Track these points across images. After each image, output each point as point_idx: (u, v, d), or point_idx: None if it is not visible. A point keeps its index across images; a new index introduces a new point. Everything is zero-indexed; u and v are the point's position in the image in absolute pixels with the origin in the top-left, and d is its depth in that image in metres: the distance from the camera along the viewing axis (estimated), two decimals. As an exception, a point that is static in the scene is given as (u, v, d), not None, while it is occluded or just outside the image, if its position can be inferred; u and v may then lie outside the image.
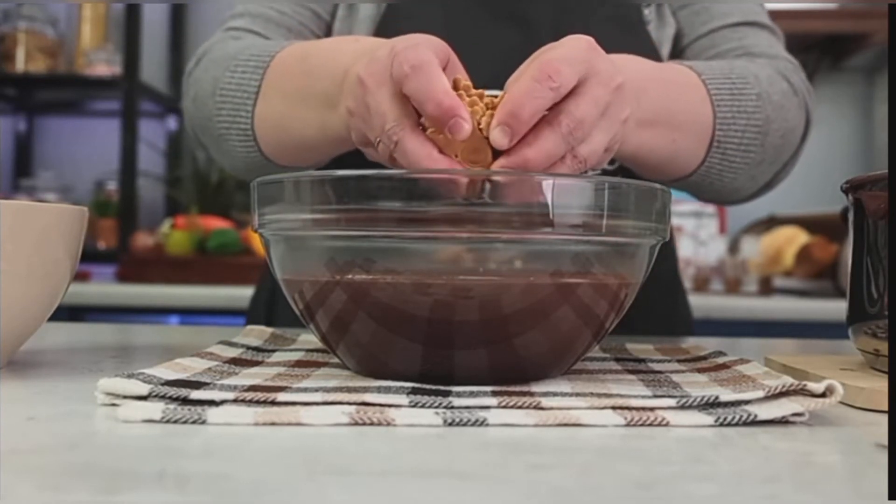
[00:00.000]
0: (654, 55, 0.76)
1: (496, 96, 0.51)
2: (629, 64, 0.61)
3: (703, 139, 0.71)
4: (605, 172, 0.77)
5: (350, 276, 0.45)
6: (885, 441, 0.37)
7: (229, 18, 0.85)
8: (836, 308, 1.59)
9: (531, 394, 0.42)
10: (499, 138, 0.49)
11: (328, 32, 0.84)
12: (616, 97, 0.53)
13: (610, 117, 0.53)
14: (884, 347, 0.50)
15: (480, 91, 0.52)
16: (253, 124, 0.73)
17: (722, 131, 0.71)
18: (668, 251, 0.87)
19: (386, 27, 0.79)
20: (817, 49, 2.46)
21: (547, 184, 0.43)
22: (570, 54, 0.51)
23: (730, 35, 0.82)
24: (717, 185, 0.74)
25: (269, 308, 0.93)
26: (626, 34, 0.79)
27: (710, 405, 0.40)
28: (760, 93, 0.73)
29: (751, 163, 0.74)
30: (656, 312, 0.85)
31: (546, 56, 0.51)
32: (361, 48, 0.61)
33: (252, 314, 0.99)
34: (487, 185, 0.42)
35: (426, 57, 0.50)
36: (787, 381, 0.41)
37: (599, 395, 0.42)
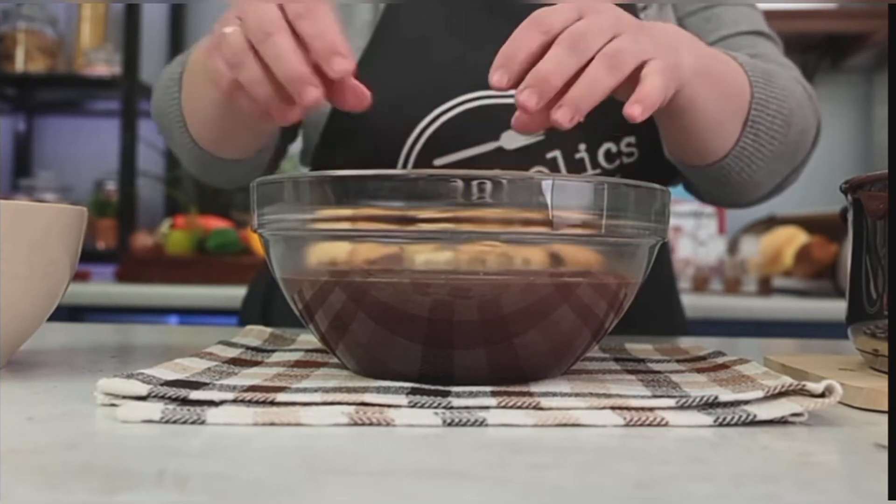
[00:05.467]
0: None
1: None
2: (670, 28, 0.62)
3: (740, 115, 0.70)
4: (604, 172, 0.77)
5: (350, 276, 0.45)
6: (885, 441, 0.37)
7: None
8: (836, 308, 1.59)
9: (530, 394, 0.42)
10: (527, 100, 0.52)
11: None
12: (638, 34, 0.54)
13: (631, 36, 0.54)
14: (883, 347, 0.50)
15: None
16: (183, 117, 0.76)
17: (756, 111, 0.70)
18: (663, 251, 0.88)
19: (386, 31, 0.79)
20: (817, 49, 2.46)
21: (546, 184, 0.43)
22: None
23: (742, 42, 0.82)
24: (746, 173, 0.73)
25: (264, 308, 0.93)
26: None
27: (710, 405, 0.41)
28: (785, 86, 0.73)
29: (775, 152, 0.73)
30: (653, 313, 0.85)
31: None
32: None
33: (245, 314, 0.99)
34: (487, 186, 0.42)
35: (275, 17, 0.52)
36: (787, 381, 0.41)
37: (599, 396, 0.42)
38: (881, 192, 0.50)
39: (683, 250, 2.16)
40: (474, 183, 0.42)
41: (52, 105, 2.69)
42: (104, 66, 2.39)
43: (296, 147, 0.92)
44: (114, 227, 2.38)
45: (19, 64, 2.41)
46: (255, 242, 2.01)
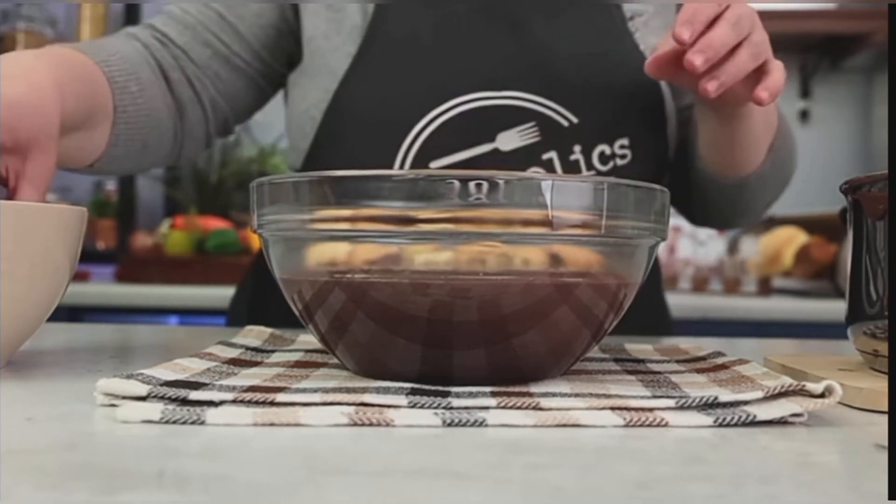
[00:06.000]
0: (640, 60, 0.76)
1: None
2: None
3: (769, 137, 0.77)
4: (598, 174, 0.77)
5: (349, 276, 0.45)
6: (885, 441, 0.37)
7: (157, 14, 0.85)
8: (835, 308, 1.59)
9: (530, 394, 0.42)
10: (695, 60, 0.61)
11: (280, 43, 0.85)
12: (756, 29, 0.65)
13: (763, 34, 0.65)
14: (883, 348, 0.50)
15: None
16: None
17: (779, 141, 0.77)
18: None
19: (376, 34, 0.79)
20: (817, 49, 2.46)
21: (546, 184, 0.43)
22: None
23: None
24: (758, 196, 0.80)
25: (251, 309, 0.93)
26: (609, 38, 0.80)
27: (709, 406, 0.41)
28: (787, 122, 0.81)
29: (777, 181, 0.80)
30: (641, 311, 0.85)
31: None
32: None
33: (233, 315, 0.98)
34: (487, 186, 0.42)
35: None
36: (786, 381, 0.41)
37: (598, 396, 0.42)
38: (881, 192, 0.50)
39: (683, 250, 2.16)
40: (474, 183, 0.42)
41: (51, 105, 2.68)
42: (104, 66, 2.39)
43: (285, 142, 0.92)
44: (114, 227, 2.38)
45: (19, 64, 2.40)
46: (255, 242, 2.01)
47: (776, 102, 0.72)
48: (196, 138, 0.84)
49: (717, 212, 0.86)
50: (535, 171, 0.76)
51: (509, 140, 0.77)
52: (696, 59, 0.61)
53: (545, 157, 0.77)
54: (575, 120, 0.77)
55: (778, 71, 0.65)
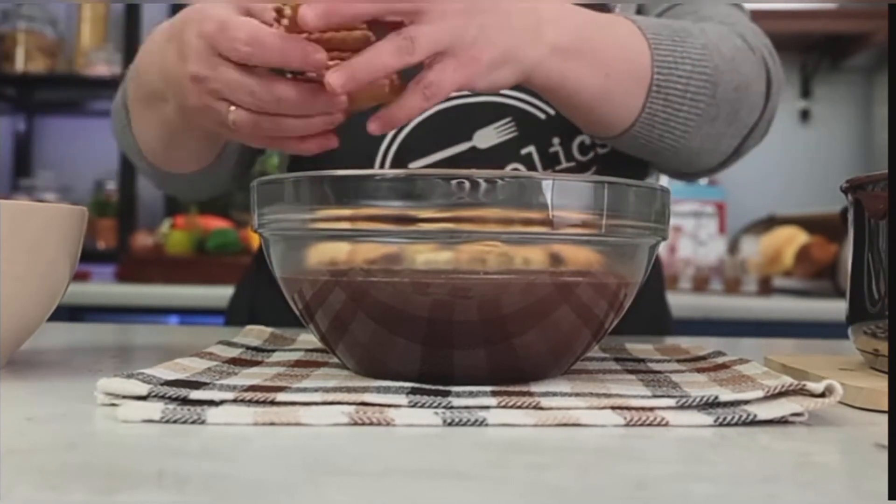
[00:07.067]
0: None
1: None
2: (546, 6, 0.62)
3: (641, 81, 0.67)
4: (579, 164, 0.77)
5: (349, 276, 0.45)
6: (885, 441, 0.37)
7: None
8: (836, 308, 1.59)
9: (531, 394, 0.42)
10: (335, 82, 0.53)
11: None
12: (467, 18, 0.56)
13: (451, 24, 0.55)
14: (883, 347, 0.50)
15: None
16: (134, 136, 0.77)
17: (662, 76, 0.68)
18: None
19: None
20: (817, 49, 2.46)
21: (546, 184, 0.43)
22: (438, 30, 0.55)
23: (687, 9, 0.80)
24: (670, 139, 0.70)
25: (251, 309, 0.93)
26: None
27: (710, 405, 0.40)
28: (707, 43, 0.70)
29: (702, 115, 0.70)
30: (643, 311, 0.85)
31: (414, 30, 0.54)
32: (158, 39, 0.65)
33: (232, 315, 0.98)
34: (487, 185, 0.42)
35: (244, 24, 0.54)
36: (787, 381, 0.41)
37: (599, 395, 0.42)
38: (881, 192, 0.50)
39: (683, 250, 2.16)
40: (474, 183, 0.42)
41: (52, 105, 2.69)
42: (104, 66, 2.39)
43: None
44: (114, 227, 2.38)
45: (19, 64, 2.41)
46: (255, 242, 2.01)
47: (652, 32, 0.68)
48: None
49: (656, 163, 0.79)
50: (514, 168, 0.76)
51: (487, 137, 0.76)
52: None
53: (524, 151, 0.76)
54: (552, 112, 0.76)
55: (415, 90, 0.56)
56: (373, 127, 0.57)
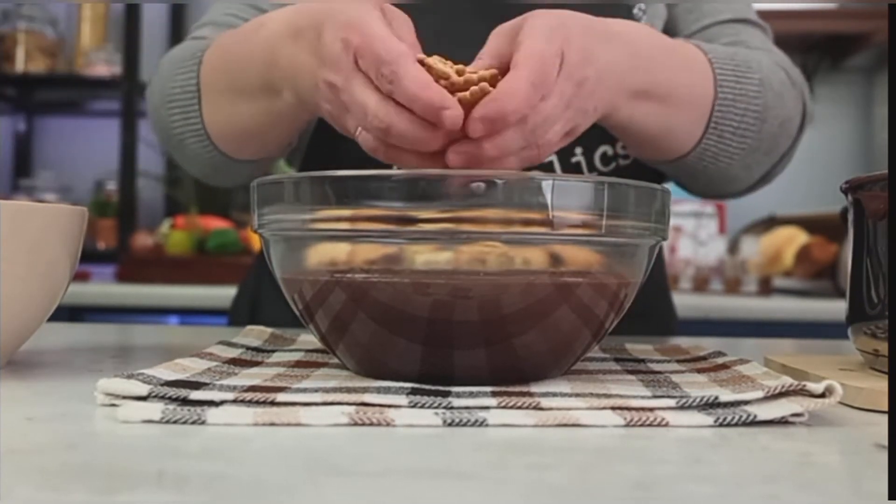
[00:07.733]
0: None
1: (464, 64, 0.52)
2: (632, 32, 0.61)
3: (701, 118, 0.69)
4: (601, 175, 0.77)
5: (350, 276, 0.45)
6: (885, 441, 0.37)
7: (194, 29, 0.84)
8: (836, 308, 1.59)
9: (531, 394, 0.42)
10: (478, 131, 0.49)
11: None
12: (580, 91, 0.54)
13: (572, 108, 0.54)
14: (883, 347, 0.50)
15: (444, 59, 0.52)
16: (204, 125, 0.75)
17: (721, 113, 0.69)
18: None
19: None
20: (817, 49, 2.46)
21: (546, 184, 0.43)
22: (549, 48, 0.52)
23: (725, 30, 0.81)
24: (712, 170, 0.73)
25: (253, 309, 0.93)
26: None
27: (710, 405, 0.40)
28: (762, 79, 0.72)
29: (746, 149, 0.72)
30: (648, 312, 0.85)
31: (530, 49, 0.51)
32: (275, 29, 0.62)
33: (234, 315, 0.98)
34: (487, 186, 0.42)
35: (394, 51, 0.50)
36: (787, 381, 0.41)
37: (599, 396, 0.42)
38: (881, 192, 0.50)
39: (683, 250, 2.16)
40: (474, 183, 0.42)
41: (52, 105, 2.69)
42: (104, 66, 2.40)
43: None
44: (114, 227, 2.38)
45: (19, 64, 2.41)
46: (256, 242, 2.01)
47: (718, 66, 0.68)
48: None
49: (688, 183, 0.80)
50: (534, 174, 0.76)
51: None
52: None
53: (546, 160, 0.77)
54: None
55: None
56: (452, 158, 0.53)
